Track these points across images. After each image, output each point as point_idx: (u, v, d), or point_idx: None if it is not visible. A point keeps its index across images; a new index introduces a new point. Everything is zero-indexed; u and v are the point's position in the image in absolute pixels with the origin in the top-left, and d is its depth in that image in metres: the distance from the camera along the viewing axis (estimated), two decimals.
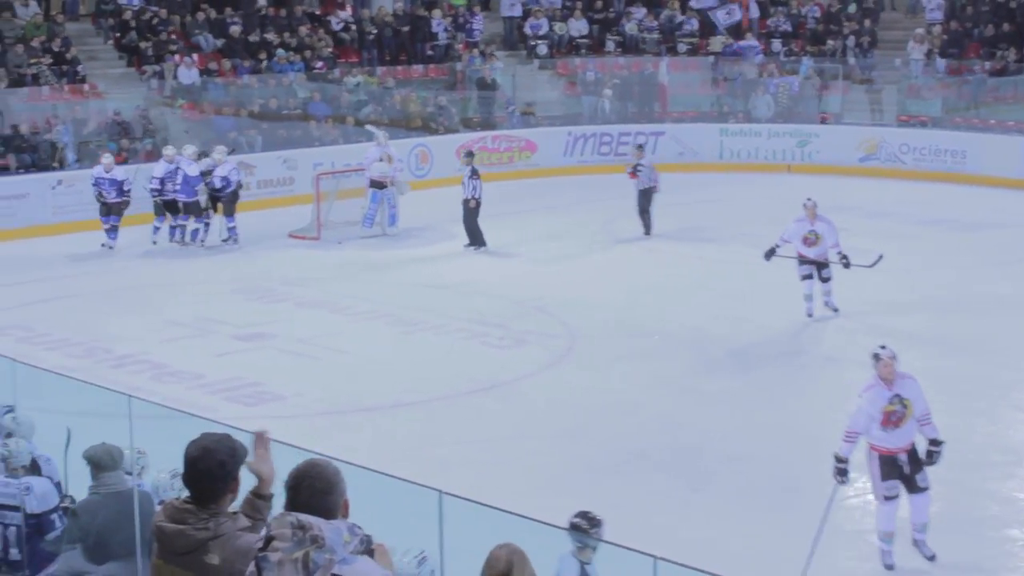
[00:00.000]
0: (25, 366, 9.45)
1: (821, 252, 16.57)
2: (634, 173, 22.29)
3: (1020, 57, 29.66)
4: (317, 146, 27.28)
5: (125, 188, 21.62)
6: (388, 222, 22.92)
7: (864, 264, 16.93)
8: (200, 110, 27.65)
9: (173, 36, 28.46)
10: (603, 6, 33.87)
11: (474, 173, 21.63)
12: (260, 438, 5.15)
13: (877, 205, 24.61)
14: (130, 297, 18.73)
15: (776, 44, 32.38)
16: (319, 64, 29.38)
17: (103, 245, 21.54)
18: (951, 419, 11.20)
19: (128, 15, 28.51)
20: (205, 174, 22.00)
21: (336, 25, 30.95)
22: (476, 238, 21.50)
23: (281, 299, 18.57)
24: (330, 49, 30.09)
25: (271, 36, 29.47)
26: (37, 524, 7.82)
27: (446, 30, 31.91)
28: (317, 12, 31.42)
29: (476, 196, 21.38)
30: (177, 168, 21.86)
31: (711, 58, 32.30)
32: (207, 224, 22.08)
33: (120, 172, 21.80)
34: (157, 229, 21.95)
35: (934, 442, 9.94)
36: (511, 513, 6.19)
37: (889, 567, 9.95)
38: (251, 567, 4.36)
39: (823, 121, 30.06)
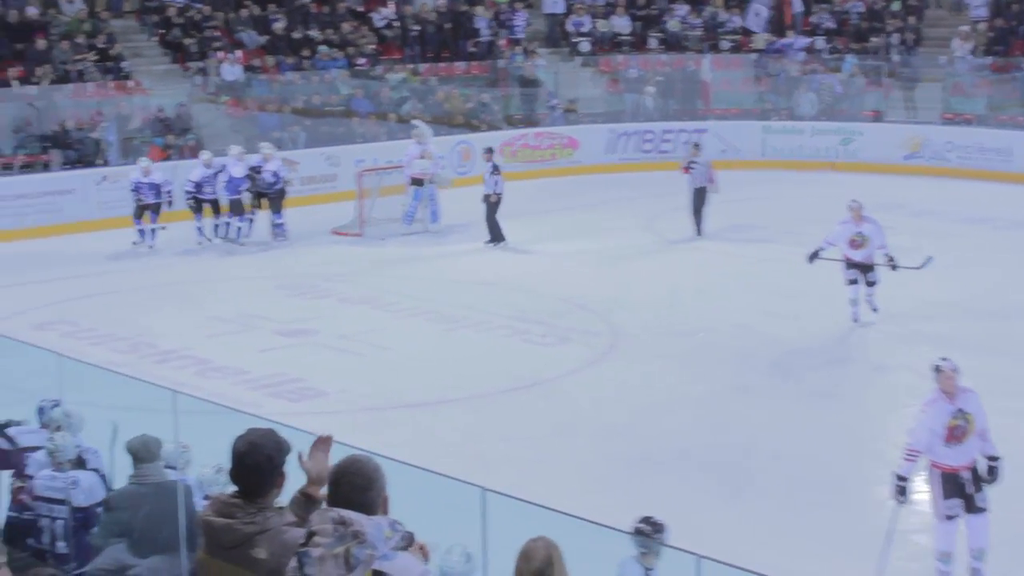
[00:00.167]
0: (71, 360, 9.52)
1: (868, 254, 16.24)
2: (687, 169, 22.10)
3: None
4: (360, 143, 27.36)
5: (164, 190, 21.66)
6: (430, 219, 22.97)
7: (912, 266, 16.67)
8: (243, 107, 27.79)
9: (217, 33, 28.62)
10: (646, 3, 33.82)
11: (495, 169, 21.79)
12: (322, 442, 5.17)
13: (921, 203, 24.43)
14: (174, 293, 18.83)
15: (820, 41, 32.22)
16: (362, 61, 29.45)
17: (134, 244, 21.59)
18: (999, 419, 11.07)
19: (172, 12, 28.72)
20: (253, 171, 22.05)
21: (379, 22, 31.03)
22: (496, 234, 21.57)
23: (324, 295, 18.62)
24: (373, 46, 30.17)
25: (314, 33, 29.60)
26: (84, 518, 7.86)
27: (489, 27, 31.94)
28: (360, 9, 31.48)
29: (498, 192, 21.49)
30: (216, 173, 21.88)
31: (754, 55, 32.19)
32: (251, 221, 22.17)
33: (158, 175, 21.75)
34: (200, 229, 21.98)
35: (992, 458, 9.58)
36: (556, 511, 6.18)
37: None
38: (292, 562, 4.38)
39: (877, 118, 29.81)
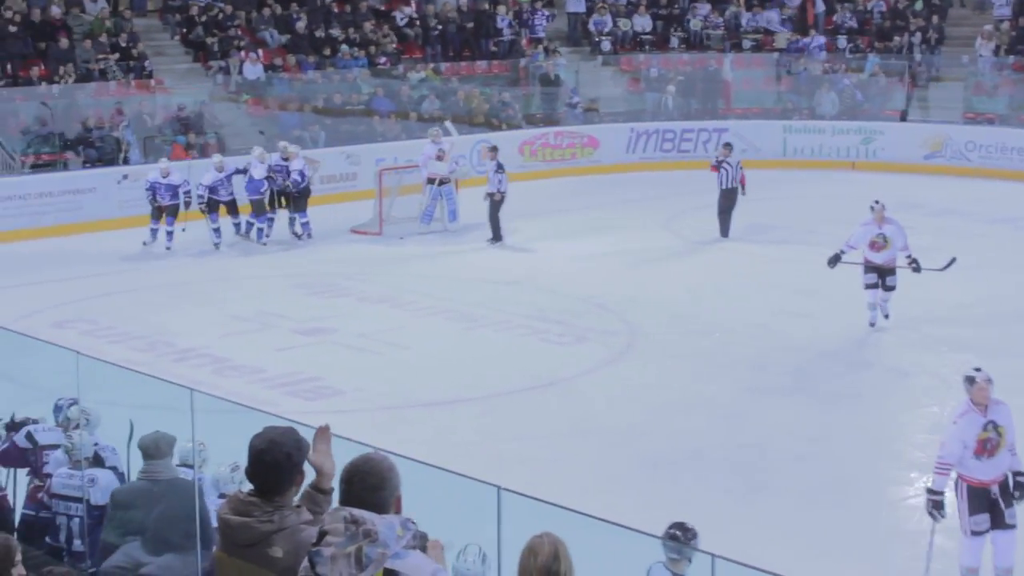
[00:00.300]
0: (89, 359, 9.54)
1: (890, 257, 15.91)
2: (716, 167, 21.94)
3: None
4: (380, 142, 27.37)
5: (183, 191, 21.60)
6: (448, 218, 22.98)
7: (935, 268, 16.46)
8: (265, 106, 27.86)
9: (239, 32, 28.69)
10: (668, 2, 33.79)
11: (499, 167, 21.87)
12: (322, 432, 5.17)
13: (942, 203, 24.33)
14: (192, 292, 18.88)
15: (842, 40, 32.15)
16: (383, 60, 29.49)
17: (144, 244, 21.55)
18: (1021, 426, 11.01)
19: (194, 11, 28.79)
20: (274, 171, 22.05)
21: (400, 21, 31.07)
22: (496, 233, 21.65)
23: (342, 294, 18.65)
24: (394, 45, 30.21)
25: (336, 32, 29.66)
26: (101, 516, 7.88)
27: (510, 26, 31.94)
28: (382, 8, 31.53)
29: (502, 190, 21.58)
30: (228, 176, 21.79)
31: (775, 54, 32.12)
32: (271, 221, 22.20)
33: (176, 177, 21.63)
34: (217, 231, 21.74)
35: (1018, 473, 9.32)
36: (573, 511, 6.17)
37: None
38: (304, 561, 4.39)
39: (902, 118, 29.70)
